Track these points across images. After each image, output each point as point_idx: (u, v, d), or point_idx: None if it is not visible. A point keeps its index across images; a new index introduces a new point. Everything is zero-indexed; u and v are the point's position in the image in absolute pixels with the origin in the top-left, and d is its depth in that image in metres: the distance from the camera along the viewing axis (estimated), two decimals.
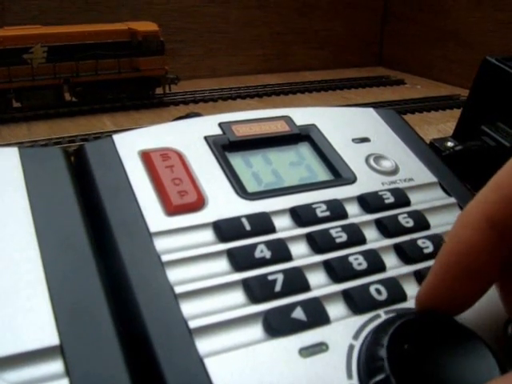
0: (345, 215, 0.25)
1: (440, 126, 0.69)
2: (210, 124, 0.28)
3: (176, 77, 0.89)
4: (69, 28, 0.82)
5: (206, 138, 0.27)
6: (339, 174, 0.27)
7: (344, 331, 0.20)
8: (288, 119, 0.30)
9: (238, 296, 0.21)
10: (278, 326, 0.20)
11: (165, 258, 0.21)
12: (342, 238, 0.24)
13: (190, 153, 0.26)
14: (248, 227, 0.23)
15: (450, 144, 0.42)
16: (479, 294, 0.19)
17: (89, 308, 0.19)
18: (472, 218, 0.19)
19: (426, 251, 0.24)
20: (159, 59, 0.86)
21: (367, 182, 0.27)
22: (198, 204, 0.24)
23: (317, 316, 0.20)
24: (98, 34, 0.81)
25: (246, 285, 0.21)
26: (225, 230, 0.23)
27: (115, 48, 0.82)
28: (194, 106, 0.88)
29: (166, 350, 0.18)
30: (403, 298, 0.22)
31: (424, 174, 0.29)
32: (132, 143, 0.26)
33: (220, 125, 0.28)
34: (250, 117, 0.29)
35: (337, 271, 0.22)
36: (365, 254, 0.23)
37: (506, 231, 0.18)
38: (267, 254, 0.22)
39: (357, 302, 0.21)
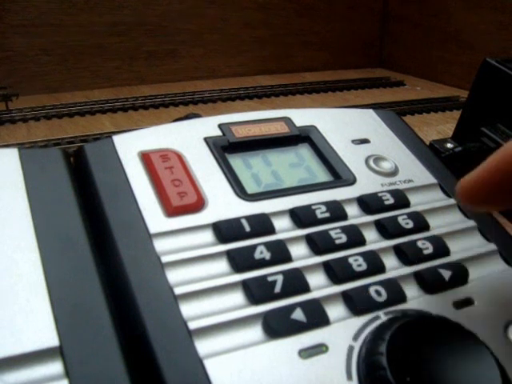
0: (344, 216, 0.25)
1: (440, 127, 0.69)
2: (209, 125, 0.28)
3: (7, 94, 0.79)
4: None
5: (205, 139, 0.27)
6: (339, 176, 0.27)
7: (344, 332, 0.20)
8: (288, 120, 0.30)
9: (237, 297, 0.21)
10: (277, 327, 0.20)
11: (164, 259, 0.21)
12: (342, 239, 0.24)
13: (189, 154, 0.26)
14: (248, 228, 0.23)
15: (449, 145, 0.42)
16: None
17: (88, 309, 0.19)
18: None
19: (425, 252, 0.24)
20: None
21: (367, 183, 0.27)
22: (198, 205, 0.24)
23: (316, 317, 0.20)
24: None
25: (246, 286, 0.21)
26: (224, 231, 0.23)
27: None
28: (193, 107, 0.88)
29: (166, 351, 0.18)
30: (403, 299, 0.22)
31: (424, 176, 0.29)
32: (132, 144, 0.26)
33: (220, 126, 0.28)
34: (249, 118, 0.29)
35: (336, 272, 0.22)
36: (364, 255, 0.23)
37: None
38: (267, 255, 0.22)
39: (356, 304, 0.21)
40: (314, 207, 0.25)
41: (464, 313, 0.22)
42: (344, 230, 0.24)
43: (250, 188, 0.26)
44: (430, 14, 1.11)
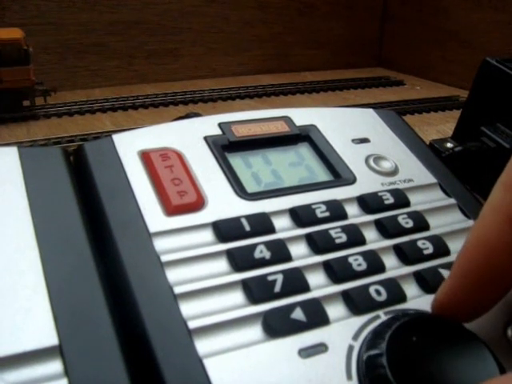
0: (344, 216, 0.25)
1: (439, 126, 0.69)
2: (209, 124, 0.28)
3: (46, 89, 0.81)
4: None
5: (205, 138, 0.27)
6: (339, 175, 0.27)
7: (343, 332, 0.20)
8: (288, 119, 0.30)
9: (237, 296, 0.21)
10: (277, 326, 0.20)
11: (164, 258, 0.21)
12: (342, 238, 0.24)
13: (189, 153, 0.26)
14: (247, 227, 0.23)
15: (449, 145, 0.42)
16: (499, 298, 0.19)
17: (88, 308, 0.19)
18: (492, 221, 0.18)
19: (425, 252, 0.24)
20: (23, 70, 0.75)
21: (367, 182, 0.27)
22: (198, 204, 0.24)
23: (316, 317, 0.20)
24: None
25: (246, 285, 0.21)
26: (224, 230, 0.23)
27: None
28: (193, 107, 0.88)
29: (165, 351, 0.18)
30: (403, 298, 0.22)
31: (424, 175, 0.29)
32: (131, 143, 0.26)
33: (220, 125, 0.28)
34: (249, 117, 0.29)
35: (336, 272, 0.22)
36: (364, 254, 0.23)
37: None
38: (267, 255, 0.22)
39: (356, 303, 0.21)
40: (313, 206, 0.25)
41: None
42: (344, 229, 0.24)
43: (250, 187, 0.26)
44: (429, 14, 1.11)
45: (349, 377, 0.19)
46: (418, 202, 0.27)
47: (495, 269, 0.18)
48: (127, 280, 0.20)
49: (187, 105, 0.89)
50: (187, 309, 0.20)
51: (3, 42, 0.74)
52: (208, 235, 0.23)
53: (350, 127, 0.31)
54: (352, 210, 0.25)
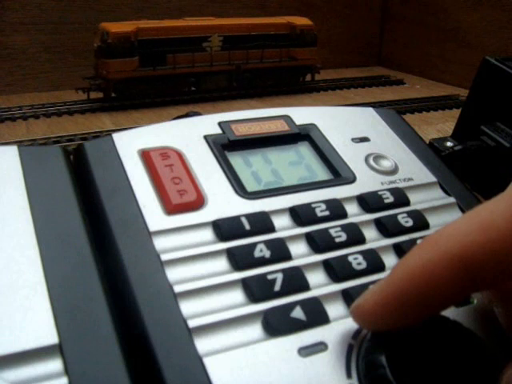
0: (344, 215, 0.25)
1: (439, 125, 0.69)
2: (209, 123, 0.28)
3: (321, 66, 1.01)
4: (239, 20, 0.95)
5: (205, 137, 0.27)
6: (339, 174, 0.27)
7: (343, 331, 0.20)
8: (288, 119, 0.30)
9: (237, 295, 0.21)
10: (277, 325, 0.20)
11: (164, 257, 0.21)
12: (342, 237, 0.24)
13: (189, 152, 0.26)
14: (247, 226, 0.23)
15: (449, 144, 0.42)
16: (421, 319, 0.18)
17: (88, 307, 0.19)
18: (447, 251, 0.17)
19: None
20: (312, 50, 0.98)
21: (367, 181, 0.27)
22: (198, 203, 0.24)
23: (316, 315, 0.20)
24: (263, 26, 0.94)
25: (246, 284, 0.21)
26: (224, 229, 0.23)
27: (277, 39, 0.94)
28: (193, 106, 0.88)
29: (165, 349, 0.18)
30: None
31: (423, 174, 0.29)
32: (131, 142, 0.26)
33: (220, 124, 0.28)
34: (249, 116, 0.29)
35: (336, 271, 0.22)
36: (364, 253, 0.23)
37: (480, 275, 0.17)
38: (266, 254, 0.22)
39: None
40: (313, 205, 0.25)
41: (463, 311, 0.22)
42: (344, 228, 0.24)
43: (250, 186, 0.26)
44: (429, 13, 1.11)
45: (348, 375, 0.19)
46: (417, 200, 0.27)
47: (432, 300, 0.18)
48: (127, 279, 0.20)
49: (187, 104, 0.89)
50: (187, 307, 0.20)
51: (302, 28, 0.96)
52: (208, 234, 0.23)
53: (349, 126, 0.31)
54: (352, 209, 0.25)
